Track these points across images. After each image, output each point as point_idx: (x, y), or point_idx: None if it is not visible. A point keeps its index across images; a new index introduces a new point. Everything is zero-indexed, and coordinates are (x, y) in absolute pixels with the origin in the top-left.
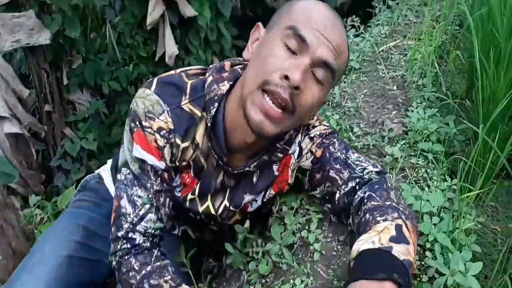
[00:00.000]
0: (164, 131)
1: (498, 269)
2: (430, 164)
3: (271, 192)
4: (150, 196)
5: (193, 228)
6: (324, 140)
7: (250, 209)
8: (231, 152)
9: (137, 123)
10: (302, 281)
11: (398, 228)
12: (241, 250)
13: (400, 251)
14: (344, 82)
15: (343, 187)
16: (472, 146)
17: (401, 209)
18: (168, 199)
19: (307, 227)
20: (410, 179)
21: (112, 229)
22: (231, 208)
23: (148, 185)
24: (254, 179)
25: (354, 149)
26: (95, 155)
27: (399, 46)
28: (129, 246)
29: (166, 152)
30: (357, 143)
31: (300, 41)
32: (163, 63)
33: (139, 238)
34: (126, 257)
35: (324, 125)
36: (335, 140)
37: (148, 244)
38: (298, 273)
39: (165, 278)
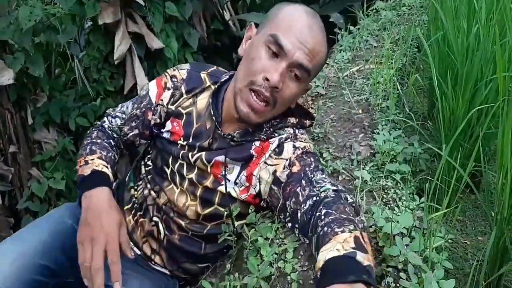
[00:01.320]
0: (176, 79)
1: (471, 282)
2: (398, 185)
3: (245, 175)
4: (130, 113)
5: (164, 222)
6: (304, 156)
7: (225, 183)
8: (224, 120)
9: (165, 72)
10: None
11: (356, 239)
12: (218, 285)
13: (363, 257)
14: (312, 109)
15: (302, 205)
16: (437, 164)
17: (356, 221)
18: (136, 130)
19: (283, 257)
20: (379, 201)
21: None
22: (203, 159)
23: (136, 106)
24: (232, 144)
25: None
26: (64, 194)
27: (362, 70)
28: (98, 124)
29: (167, 95)
30: (327, 168)
31: (279, 48)
32: (132, 96)
33: (107, 124)
34: (93, 129)
35: (310, 145)
36: (313, 160)
37: (109, 132)
38: None
39: (102, 151)
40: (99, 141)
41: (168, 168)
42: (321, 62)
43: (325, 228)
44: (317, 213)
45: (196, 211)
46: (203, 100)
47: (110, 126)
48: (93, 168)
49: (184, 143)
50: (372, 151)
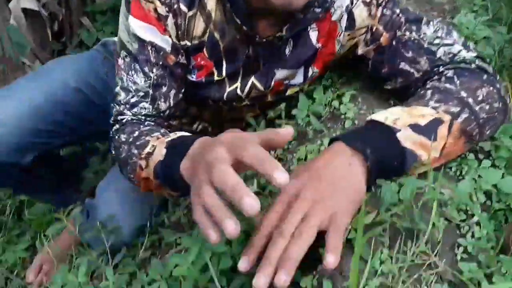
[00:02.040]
0: None
1: None
2: None
3: (315, 70)
4: (148, 83)
5: (212, 125)
6: (385, 10)
7: (288, 89)
8: (254, 17)
9: None
10: None
11: (436, 122)
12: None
13: (411, 139)
14: None
15: (423, 79)
16: None
17: (474, 107)
18: (173, 90)
19: (338, 99)
20: None
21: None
22: (259, 87)
23: (147, 69)
24: (287, 51)
25: None
26: None
27: None
28: (118, 126)
29: (170, 23)
30: None
31: None
32: None
33: (128, 116)
34: (117, 137)
35: None
36: (397, 8)
37: (142, 117)
38: (327, 136)
39: (153, 135)
40: (136, 134)
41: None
42: None
43: (427, 92)
44: (441, 71)
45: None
46: (213, 3)
47: (136, 117)
48: (167, 141)
49: (221, 75)
50: None
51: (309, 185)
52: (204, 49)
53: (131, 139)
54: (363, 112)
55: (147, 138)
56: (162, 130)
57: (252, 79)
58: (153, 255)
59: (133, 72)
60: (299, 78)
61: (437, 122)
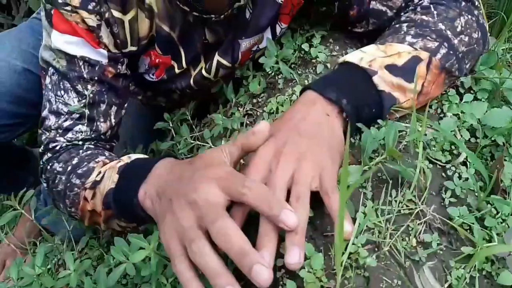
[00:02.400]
0: (92, 3)
1: None
2: None
3: (283, 26)
4: (83, 102)
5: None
6: None
7: (256, 55)
8: None
9: (52, 1)
10: None
11: (414, 61)
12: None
13: (386, 82)
14: None
15: (396, 18)
16: None
17: (452, 40)
18: (114, 107)
19: (308, 43)
20: None
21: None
22: (226, 64)
23: (79, 87)
24: (247, 16)
25: None
26: None
27: None
28: (50, 155)
29: (104, 34)
30: None
31: None
32: None
33: (62, 143)
34: (49, 166)
35: None
36: None
37: (79, 143)
38: (298, 83)
39: (97, 159)
40: (75, 161)
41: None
42: None
43: (403, 25)
44: (416, 2)
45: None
46: None
47: (72, 143)
48: (119, 166)
49: (182, 66)
50: None
51: (290, 142)
52: (156, 46)
53: (69, 168)
54: (335, 53)
55: (91, 164)
56: (107, 154)
57: (216, 57)
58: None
59: (62, 92)
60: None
61: (415, 60)
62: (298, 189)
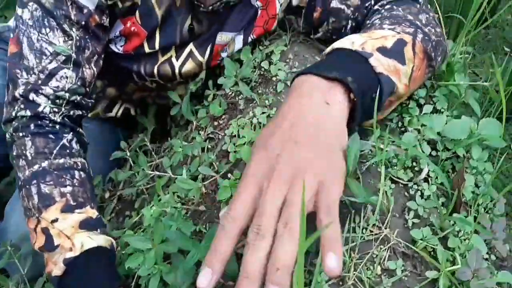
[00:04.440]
0: None
1: None
2: None
3: (253, 36)
4: (70, 43)
5: (135, 104)
6: None
7: (222, 54)
8: None
9: None
10: (263, 112)
11: (400, 43)
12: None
13: (383, 64)
14: None
15: (354, 15)
16: None
17: (423, 28)
18: (96, 56)
19: (268, 60)
20: None
21: (7, 88)
22: (198, 57)
23: (66, 26)
24: (228, 15)
25: None
26: None
27: None
28: (27, 114)
29: None
30: None
31: None
32: None
33: (44, 105)
34: (21, 135)
35: None
36: None
37: (58, 120)
38: (259, 105)
39: (61, 189)
40: (45, 164)
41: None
42: None
43: (376, 21)
44: (378, 8)
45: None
46: None
47: (62, 92)
48: (65, 260)
49: (154, 47)
50: None
51: (283, 154)
52: (137, 13)
53: (36, 167)
54: (295, 70)
55: (55, 191)
56: (71, 185)
57: (190, 46)
58: None
59: (48, 30)
60: (238, 45)
61: (401, 42)
62: (288, 212)
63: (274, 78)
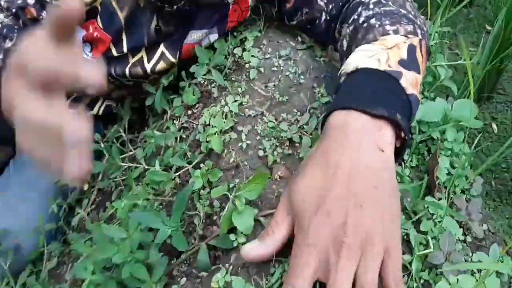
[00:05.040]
0: None
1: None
2: None
3: (227, 30)
4: None
5: (116, 101)
6: None
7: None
8: None
9: None
10: (235, 100)
11: (412, 49)
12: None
13: (409, 81)
14: None
15: (327, 8)
16: None
17: (418, 22)
18: None
19: (241, 46)
20: None
21: None
22: (169, 57)
23: None
24: (197, 13)
25: None
26: None
27: None
28: None
29: None
30: None
31: None
32: None
33: None
34: None
35: None
36: None
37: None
38: (231, 93)
39: None
40: None
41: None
42: None
43: (372, 20)
44: (362, 2)
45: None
46: None
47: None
48: None
49: (122, 51)
50: None
51: (350, 223)
52: (98, 18)
53: None
54: (268, 56)
55: None
56: None
57: (162, 48)
58: (63, 264)
59: None
60: (212, 39)
61: (412, 48)
62: None
63: (247, 65)
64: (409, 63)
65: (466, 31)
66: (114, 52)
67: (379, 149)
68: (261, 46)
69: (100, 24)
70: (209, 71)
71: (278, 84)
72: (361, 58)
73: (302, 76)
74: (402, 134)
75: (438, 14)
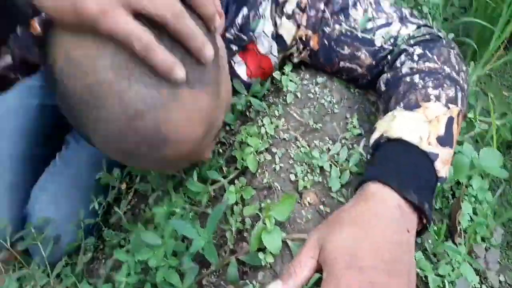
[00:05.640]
0: None
1: None
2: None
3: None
4: None
5: None
6: (310, 11)
7: None
8: None
9: None
10: (271, 122)
11: (450, 123)
12: None
13: (442, 161)
14: None
15: (368, 72)
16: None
17: (460, 81)
18: None
19: (280, 71)
20: None
21: None
22: None
23: None
24: None
25: None
26: None
27: None
28: None
29: None
30: None
31: None
32: None
33: None
34: None
35: None
36: (321, 1)
37: None
38: (268, 115)
39: None
40: None
41: None
42: None
43: (415, 78)
44: (408, 49)
45: None
46: None
47: None
48: None
49: None
50: None
51: (378, 280)
52: None
53: None
54: (306, 82)
55: None
56: None
57: None
58: (97, 259)
59: None
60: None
61: (450, 122)
62: None
63: (285, 89)
64: (446, 138)
65: (502, 75)
66: None
67: (407, 230)
68: (299, 71)
69: None
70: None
71: (313, 110)
72: (405, 128)
73: (336, 106)
74: (424, 221)
75: (481, 63)
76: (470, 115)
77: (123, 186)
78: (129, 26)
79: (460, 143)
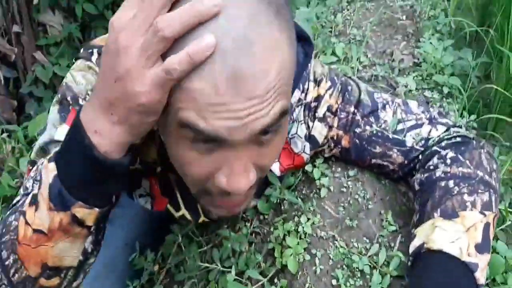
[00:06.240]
0: None
1: None
2: (445, 99)
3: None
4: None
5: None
6: (341, 114)
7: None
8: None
9: (74, 102)
10: (308, 219)
11: (486, 229)
12: None
13: (482, 269)
14: (348, 10)
15: (400, 169)
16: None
17: (493, 183)
18: None
19: (311, 162)
20: None
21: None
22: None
23: None
24: None
25: (361, 79)
26: None
27: None
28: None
29: None
30: (364, 73)
31: (209, 139)
32: None
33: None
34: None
35: (326, 80)
36: (351, 105)
37: None
38: (303, 211)
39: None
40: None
41: None
42: (287, 74)
43: (450, 183)
44: (438, 152)
45: None
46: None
47: None
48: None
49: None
50: (415, 60)
51: None
52: (158, 181)
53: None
54: (337, 175)
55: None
56: None
57: None
58: None
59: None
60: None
61: (487, 228)
62: None
63: (317, 183)
64: (483, 245)
65: None
66: (173, 211)
67: None
68: (330, 163)
69: (159, 187)
70: (280, 193)
71: (347, 206)
72: (445, 240)
73: (370, 202)
74: None
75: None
76: (501, 206)
77: (156, 267)
78: None
79: (496, 238)
